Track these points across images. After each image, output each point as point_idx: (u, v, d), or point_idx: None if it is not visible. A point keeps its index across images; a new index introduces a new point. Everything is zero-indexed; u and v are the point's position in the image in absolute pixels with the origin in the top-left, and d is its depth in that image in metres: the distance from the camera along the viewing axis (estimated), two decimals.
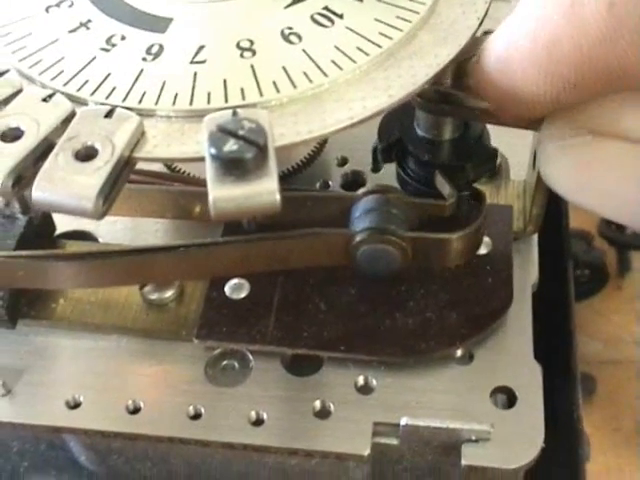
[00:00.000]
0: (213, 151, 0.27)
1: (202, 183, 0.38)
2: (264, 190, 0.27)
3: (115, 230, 0.42)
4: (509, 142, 0.39)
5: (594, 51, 0.25)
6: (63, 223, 0.41)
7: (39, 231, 0.38)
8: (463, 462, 0.33)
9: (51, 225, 0.40)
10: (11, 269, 0.33)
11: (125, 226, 0.42)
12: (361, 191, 0.34)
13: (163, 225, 0.42)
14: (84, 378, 0.36)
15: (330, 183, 0.44)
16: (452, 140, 0.37)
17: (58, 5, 0.34)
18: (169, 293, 0.38)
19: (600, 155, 0.27)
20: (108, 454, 0.38)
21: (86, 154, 0.28)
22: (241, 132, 0.27)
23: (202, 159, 0.28)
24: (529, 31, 0.26)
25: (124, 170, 0.28)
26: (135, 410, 0.35)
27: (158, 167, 0.42)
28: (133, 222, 0.42)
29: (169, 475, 0.39)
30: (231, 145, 0.27)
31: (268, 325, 0.36)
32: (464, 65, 0.31)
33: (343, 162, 0.45)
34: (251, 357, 0.36)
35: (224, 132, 0.27)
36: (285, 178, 0.42)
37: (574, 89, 0.26)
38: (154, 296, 0.38)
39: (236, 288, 0.37)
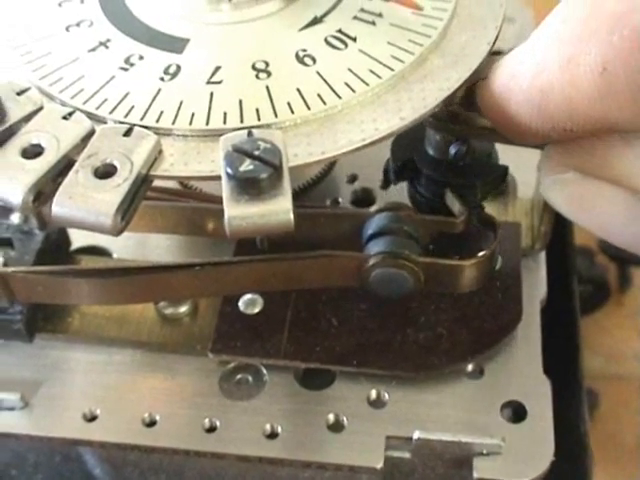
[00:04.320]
0: (229, 171, 0.27)
1: (215, 200, 0.39)
2: (279, 209, 0.27)
3: (129, 245, 0.43)
4: (516, 161, 0.39)
5: (583, 106, 0.26)
6: (78, 239, 0.42)
7: (56, 247, 0.39)
8: (475, 475, 0.33)
9: (67, 241, 0.41)
10: (31, 284, 0.34)
11: (138, 242, 0.43)
12: (373, 208, 0.35)
13: (175, 241, 0.43)
14: (100, 391, 0.37)
15: (340, 200, 0.44)
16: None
17: (78, 25, 0.35)
18: (184, 308, 0.38)
19: (589, 194, 0.28)
20: (123, 467, 0.38)
21: (105, 171, 0.28)
22: (256, 152, 0.28)
23: (218, 178, 0.28)
24: (530, 70, 0.27)
25: (142, 187, 0.29)
26: (151, 423, 0.35)
27: (171, 184, 0.42)
28: (146, 238, 0.43)
29: None
30: (247, 165, 0.27)
31: (281, 340, 0.36)
32: (474, 85, 0.32)
33: (353, 179, 0.45)
34: (265, 371, 0.37)
35: (240, 152, 0.28)
36: (296, 195, 0.42)
37: (564, 132, 0.27)
38: (169, 311, 0.38)
39: (250, 303, 0.38)
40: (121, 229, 0.28)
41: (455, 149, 0.35)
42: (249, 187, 0.27)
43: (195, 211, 0.39)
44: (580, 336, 0.44)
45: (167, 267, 0.34)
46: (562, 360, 0.40)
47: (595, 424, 0.69)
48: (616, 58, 0.24)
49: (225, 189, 0.28)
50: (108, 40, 0.34)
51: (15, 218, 0.39)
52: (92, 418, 0.36)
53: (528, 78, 0.27)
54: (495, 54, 0.33)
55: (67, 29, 0.34)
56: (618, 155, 0.27)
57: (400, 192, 0.39)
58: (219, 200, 0.38)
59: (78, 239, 0.42)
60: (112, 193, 0.28)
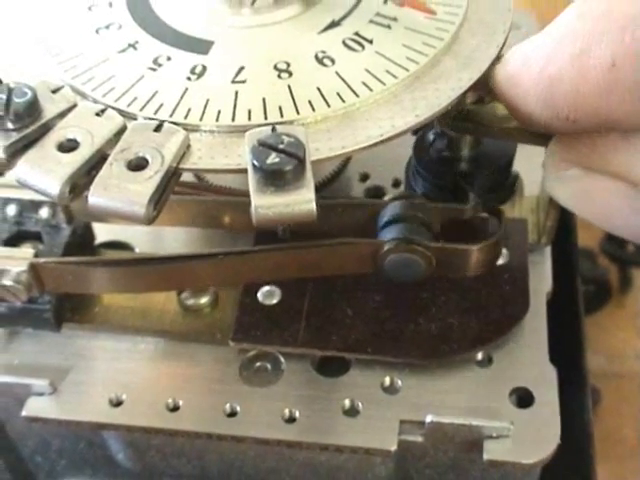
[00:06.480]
0: (256, 163, 0.29)
1: (233, 193, 0.40)
2: (302, 199, 0.29)
3: (148, 240, 0.44)
4: (523, 160, 0.41)
5: (590, 99, 0.27)
6: (101, 234, 0.43)
7: (82, 241, 0.41)
8: (485, 457, 0.35)
9: (92, 235, 0.43)
10: (61, 274, 0.35)
11: (157, 236, 0.45)
12: (387, 197, 0.37)
13: (193, 235, 0.44)
14: (125, 378, 0.38)
15: None
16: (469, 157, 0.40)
17: (107, 27, 0.36)
18: (204, 299, 0.40)
19: (592, 189, 0.29)
20: (147, 451, 0.40)
21: (137, 164, 0.30)
22: (281, 146, 0.29)
23: (244, 171, 0.30)
24: (542, 58, 0.28)
25: (172, 179, 0.31)
26: (174, 408, 0.37)
27: (188, 178, 0.44)
28: (164, 232, 0.44)
29: (203, 471, 0.41)
30: (272, 158, 0.29)
31: (299, 329, 0.38)
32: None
33: (365, 178, 0.47)
34: (282, 359, 0.38)
35: (265, 146, 0.29)
36: None
37: (567, 122, 0.28)
38: (190, 302, 0.40)
39: (268, 295, 0.39)
40: (153, 218, 0.30)
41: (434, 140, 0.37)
42: (275, 179, 0.29)
43: (214, 204, 0.40)
44: (584, 329, 0.45)
45: (191, 256, 0.36)
46: (566, 355, 0.42)
47: (597, 421, 0.70)
48: (625, 56, 0.25)
49: (252, 181, 0.29)
50: (136, 42, 0.36)
51: (44, 213, 0.40)
52: (118, 403, 0.37)
53: (540, 66, 0.28)
54: (499, 59, 0.35)
55: (97, 32, 0.36)
56: (617, 150, 0.28)
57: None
58: (237, 193, 0.39)
59: (101, 235, 0.43)
60: (145, 184, 0.29)
